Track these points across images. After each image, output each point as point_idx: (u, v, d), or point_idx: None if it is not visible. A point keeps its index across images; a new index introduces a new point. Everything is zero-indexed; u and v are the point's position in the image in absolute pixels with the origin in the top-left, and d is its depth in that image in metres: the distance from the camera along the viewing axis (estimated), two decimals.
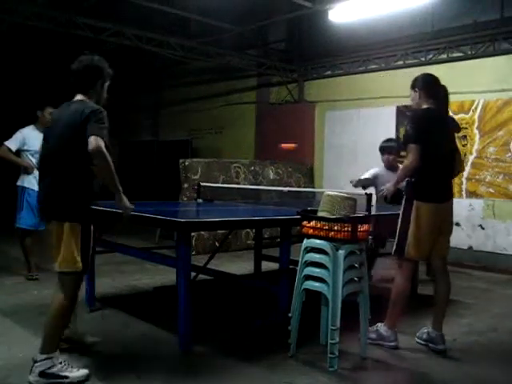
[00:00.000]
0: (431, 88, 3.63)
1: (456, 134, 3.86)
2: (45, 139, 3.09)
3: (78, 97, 3.03)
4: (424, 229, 3.50)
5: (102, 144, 2.77)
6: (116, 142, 12.78)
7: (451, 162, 3.66)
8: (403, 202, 3.61)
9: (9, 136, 5.31)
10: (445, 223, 3.63)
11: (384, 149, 5.61)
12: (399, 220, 3.61)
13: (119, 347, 3.54)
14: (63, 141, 2.89)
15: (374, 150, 8.31)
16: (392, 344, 3.62)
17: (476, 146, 7.24)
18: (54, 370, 2.86)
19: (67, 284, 2.93)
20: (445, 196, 3.62)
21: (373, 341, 3.62)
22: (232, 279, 5.24)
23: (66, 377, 2.87)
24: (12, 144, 5.26)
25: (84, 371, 2.94)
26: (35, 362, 2.85)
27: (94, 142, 2.75)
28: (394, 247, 3.63)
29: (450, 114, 4.04)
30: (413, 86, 3.69)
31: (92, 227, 3.02)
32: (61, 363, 2.90)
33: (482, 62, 7.20)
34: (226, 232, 5.86)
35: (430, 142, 3.47)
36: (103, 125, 2.85)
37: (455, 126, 3.85)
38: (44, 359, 2.85)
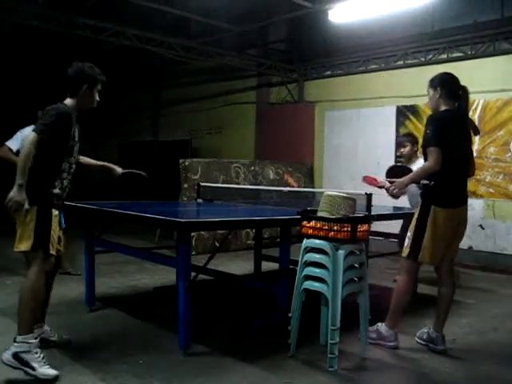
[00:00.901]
0: (452, 88, 3.53)
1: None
2: None
3: (66, 100, 3.27)
4: (441, 234, 3.45)
5: (34, 139, 2.99)
6: (115, 142, 12.81)
7: (468, 166, 3.62)
8: (419, 205, 3.56)
9: (9, 136, 5.31)
10: (460, 227, 3.58)
11: (398, 144, 5.54)
12: (414, 223, 3.55)
13: (119, 347, 3.54)
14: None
15: (374, 149, 8.37)
16: (392, 344, 3.62)
17: (476, 146, 7.23)
18: (27, 356, 2.92)
19: (32, 262, 3.08)
20: (461, 200, 3.57)
21: (373, 340, 3.62)
22: (232, 279, 5.24)
23: (34, 368, 2.91)
24: (13, 144, 5.26)
25: (54, 372, 2.95)
26: (14, 341, 2.94)
27: (29, 135, 3.03)
28: (408, 250, 3.55)
29: None
30: (432, 84, 3.57)
31: (54, 211, 3.13)
32: (36, 353, 2.95)
33: (481, 62, 7.20)
34: (226, 232, 5.86)
35: (450, 145, 3.38)
36: (45, 121, 3.05)
37: (474, 129, 3.75)
38: (21, 341, 2.93)
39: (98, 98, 3.40)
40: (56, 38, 9.25)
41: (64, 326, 3.76)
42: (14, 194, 2.97)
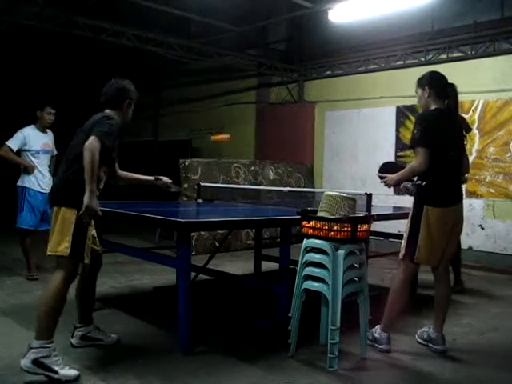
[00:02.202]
0: (441, 86, 3.52)
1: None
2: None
3: (107, 111, 3.34)
4: (436, 234, 3.43)
5: (97, 145, 2.93)
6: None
7: (460, 164, 3.60)
8: (412, 205, 3.55)
9: (9, 136, 5.31)
10: (456, 226, 3.57)
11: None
12: (408, 224, 3.54)
13: (119, 347, 3.54)
14: (78, 138, 3.12)
15: (374, 149, 8.36)
16: (382, 347, 3.57)
17: (476, 146, 7.25)
18: (48, 361, 2.88)
19: (62, 271, 2.99)
20: (455, 199, 3.54)
21: (369, 342, 3.60)
22: (232, 279, 5.24)
23: (56, 372, 2.88)
24: (13, 144, 5.26)
25: (74, 372, 2.94)
26: (30, 348, 2.88)
27: (90, 139, 2.95)
28: (403, 251, 3.54)
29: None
30: (420, 84, 3.58)
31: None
32: (56, 356, 2.92)
33: (481, 62, 7.20)
34: (226, 232, 5.87)
35: (440, 144, 3.38)
36: (107, 129, 3.04)
37: (465, 127, 3.72)
38: (40, 347, 2.88)
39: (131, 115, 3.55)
40: (56, 38, 9.25)
41: (64, 326, 3.76)
42: (88, 201, 2.92)
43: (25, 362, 2.86)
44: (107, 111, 3.33)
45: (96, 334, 3.51)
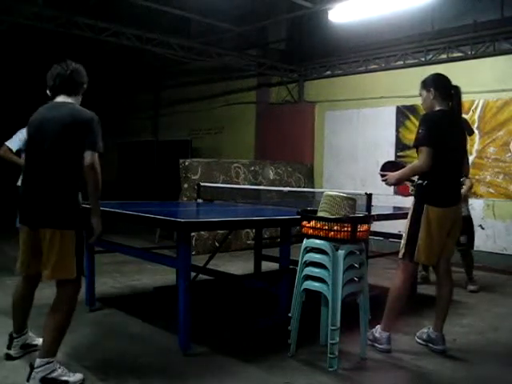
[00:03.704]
0: (446, 88, 3.53)
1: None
2: (32, 140, 2.97)
3: (61, 98, 2.98)
4: (435, 234, 3.44)
5: (97, 159, 2.82)
6: (115, 142, 12.80)
7: (461, 165, 3.62)
8: (412, 204, 3.55)
9: (9, 136, 5.30)
10: (455, 227, 3.58)
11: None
12: (408, 223, 3.54)
13: (119, 347, 3.54)
14: (61, 146, 2.83)
15: (374, 149, 8.36)
16: (382, 347, 3.57)
17: (476, 146, 7.24)
18: (55, 374, 2.82)
19: (69, 290, 2.91)
20: (454, 200, 3.55)
21: (369, 342, 3.60)
22: (232, 279, 5.24)
23: (67, 381, 2.84)
24: (12, 144, 5.25)
25: (80, 375, 2.92)
26: (33, 367, 2.79)
27: (89, 156, 2.79)
28: (403, 251, 3.54)
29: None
30: (425, 86, 3.57)
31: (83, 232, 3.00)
32: (59, 367, 2.87)
33: (481, 62, 7.20)
34: (226, 232, 5.86)
35: (443, 145, 3.39)
36: (99, 136, 2.88)
37: (468, 129, 3.73)
38: (45, 364, 2.80)
39: None
40: (56, 38, 9.25)
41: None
42: (99, 226, 2.91)
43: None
44: (62, 98, 2.97)
45: (32, 340, 3.30)
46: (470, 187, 5.47)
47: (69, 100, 2.98)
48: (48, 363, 2.81)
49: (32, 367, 2.81)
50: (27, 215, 2.94)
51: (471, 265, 5.53)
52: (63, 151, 2.83)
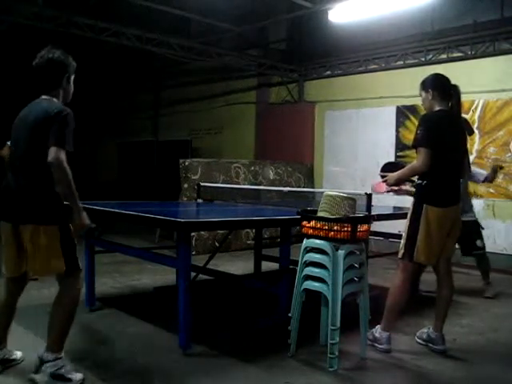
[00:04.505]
0: (445, 88, 3.53)
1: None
2: (14, 139, 2.93)
3: (44, 96, 2.89)
4: (435, 234, 3.43)
5: (62, 155, 2.66)
6: (115, 142, 12.82)
7: (461, 166, 3.62)
8: (412, 204, 3.55)
9: (10, 135, 5.30)
10: (454, 227, 3.57)
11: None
12: (407, 223, 3.54)
13: (119, 347, 3.54)
14: (32, 142, 2.77)
15: (374, 149, 8.36)
16: (382, 347, 3.56)
17: (476, 146, 7.24)
18: (63, 371, 2.84)
19: (68, 285, 2.91)
20: (453, 200, 3.55)
21: (369, 342, 3.60)
22: (232, 279, 5.24)
23: (71, 379, 2.85)
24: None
25: (80, 375, 2.92)
26: (44, 361, 2.82)
27: (53, 153, 2.65)
28: (402, 251, 3.54)
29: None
30: (424, 87, 3.57)
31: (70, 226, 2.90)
32: (67, 365, 2.89)
33: (481, 62, 7.20)
34: (226, 232, 5.86)
35: (442, 145, 3.39)
36: (66, 130, 2.71)
37: (468, 129, 3.73)
38: (55, 359, 2.82)
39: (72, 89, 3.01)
40: (56, 38, 9.25)
41: None
42: (80, 221, 2.80)
43: (43, 378, 2.79)
44: (45, 96, 2.86)
45: (10, 354, 3.13)
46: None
47: (47, 96, 2.88)
48: (57, 359, 2.83)
49: (42, 360, 2.83)
50: (8, 212, 2.86)
51: (488, 269, 5.46)
52: (35, 148, 2.76)
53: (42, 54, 2.90)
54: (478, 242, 5.24)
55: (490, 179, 5.09)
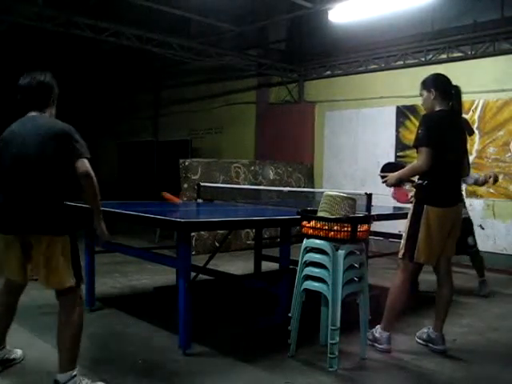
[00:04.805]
0: (446, 88, 3.53)
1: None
2: (11, 155, 2.82)
3: (33, 113, 2.90)
4: (435, 234, 3.43)
5: (89, 166, 2.79)
6: (115, 142, 12.82)
7: (461, 166, 3.62)
8: (412, 204, 3.55)
9: None
10: (455, 227, 3.57)
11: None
12: (408, 223, 3.54)
13: (119, 347, 3.54)
14: (45, 153, 2.76)
15: (374, 149, 8.36)
16: (382, 347, 3.56)
17: (476, 146, 7.24)
18: None
19: (70, 299, 2.82)
20: (454, 200, 3.55)
21: (369, 342, 3.60)
22: (232, 279, 5.24)
23: None
24: None
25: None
26: (57, 382, 2.74)
27: (82, 165, 2.76)
28: (402, 250, 3.54)
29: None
30: (425, 86, 3.57)
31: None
32: (83, 380, 2.80)
33: (481, 62, 7.20)
34: (226, 232, 5.86)
35: (443, 145, 3.38)
36: (83, 142, 2.82)
37: (468, 129, 3.73)
38: (70, 378, 2.74)
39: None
40: (56, 38, 9.25)
41: None
42: (104, 231, 2.88)
43: None
44: (34, 113, 2.89)
45: (10, 354, 3.15)
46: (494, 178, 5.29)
47: (38, 113, 2.91)
48: (72, 378, 2.74)
49: (57, 383, 2.75)
50: (14, 223, 2.80)
51: (482, 266, 5.46)
52: (46, 162, 2.76)
53: (33, 76, 2.93)
54: (470, 240, 5.24)
55: (479, 183, 4.97)
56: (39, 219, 2.76)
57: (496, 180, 4.76)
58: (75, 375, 2.77)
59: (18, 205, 2.80)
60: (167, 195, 7.09)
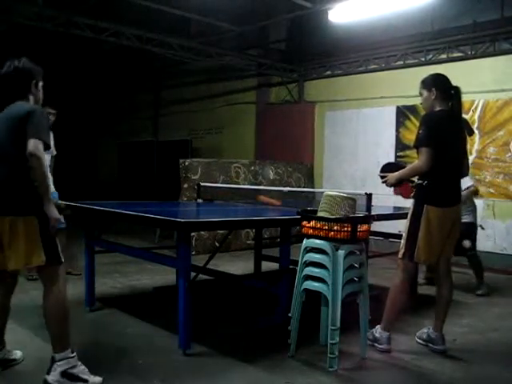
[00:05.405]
0: (446, 88, 3.52)
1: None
2: None
3: (18, 102, 2.95)
4: (435, 233, 3.43)
5: (40, 147, 2.74)
6: (115, 142, 12.81)
7: (461, 166, 3.62)
8: (412, 204, 3.55)
9: None
10: (454, 227, 3.57)
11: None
12: (408, 223, 3.54)
13: (119, 347, 3.54)
14: (9, 137, 2.84)
15: (374, 149, 8.36)
16: (382, 347, 3.57)
17: (476, 147, 7.25)
18: (75, 370, 2.84)
19: (51, 278, 2.87)
20: (454, 200, 3.55)
21: (369, 342, 3.60)
22: (232, 279, 5.24)
23: (86, 380, 2.85)
24: None
25: (99, 378, 2.92)
26: (55, 360, 2.82)
27: (32, 144, 2.73)
28: (402, 250, 3.54)
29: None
30: (426, 86, 3.56)
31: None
32: (81, 365, 2.88)
33: (481, 62, 7.20)
34: (226, 232, 5.86)
35: (443, 145, 3.39)
36: (40, 124, 2.81)
37: (468, 129, 3.74)
38: (65, 358, 2.82)
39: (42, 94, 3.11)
40: (56, 38, 9.25)
41: None
42: (52, 212, 2.79)
43: (53, 377, 2.80)
44: (19, 103, 2.93)
45: (10, 354, 3.18)
46: (475, 192, 5.43)
47: (21, 102, 2.94)
48: (68, 357, 2.83)
49: (53, 360, 2.83)
50: None
51: (480, 269, 5.47)
52: (15, 143, 2.81)
53: (8, 64, 2.97)
54: (466, 243, 5.24)
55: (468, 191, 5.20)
56: (4, 200, 2.81)
57: (476, 193, 5.21)
58: (72, 356, 2.84)
59: None
60: (265, 198, 5.68)
